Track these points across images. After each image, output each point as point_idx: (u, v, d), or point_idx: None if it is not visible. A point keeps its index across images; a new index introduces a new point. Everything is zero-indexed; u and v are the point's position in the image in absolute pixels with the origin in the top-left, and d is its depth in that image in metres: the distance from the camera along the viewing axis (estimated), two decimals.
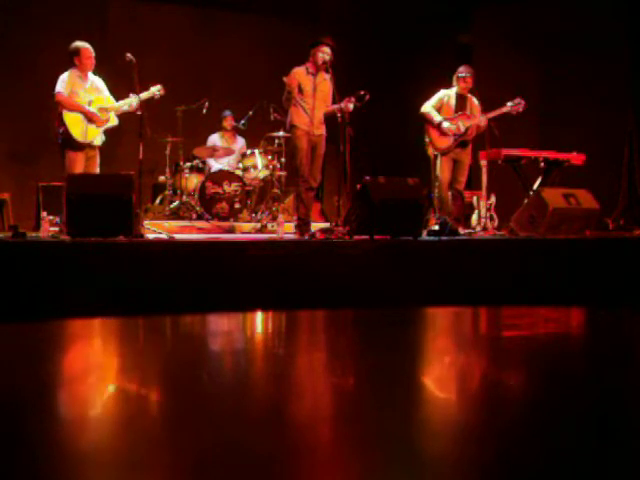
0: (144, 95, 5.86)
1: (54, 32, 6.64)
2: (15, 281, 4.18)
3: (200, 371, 1.39)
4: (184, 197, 7.79)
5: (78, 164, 5.68)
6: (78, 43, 5.81)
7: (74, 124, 5.69)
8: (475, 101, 6.85)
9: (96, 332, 1.88)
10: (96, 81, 5.91)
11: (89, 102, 5.79)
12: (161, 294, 4.35)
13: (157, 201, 8.18)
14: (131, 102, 5.85)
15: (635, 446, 0.93)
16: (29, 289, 4.16)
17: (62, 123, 5.68)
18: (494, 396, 1.23)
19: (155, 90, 5.94)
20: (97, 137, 5.81)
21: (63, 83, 5.71)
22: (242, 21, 9.75)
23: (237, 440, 0.94)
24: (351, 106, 6.00)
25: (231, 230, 7.51)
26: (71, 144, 5.69)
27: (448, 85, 6.94)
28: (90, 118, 5.75)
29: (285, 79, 6.04)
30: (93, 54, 5.81)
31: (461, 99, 6.83)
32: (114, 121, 5.89)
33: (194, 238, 6.35)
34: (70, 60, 5.80)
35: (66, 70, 5.80)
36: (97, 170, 5.84)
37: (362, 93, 6.01)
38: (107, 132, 5.97)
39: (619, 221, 7.75)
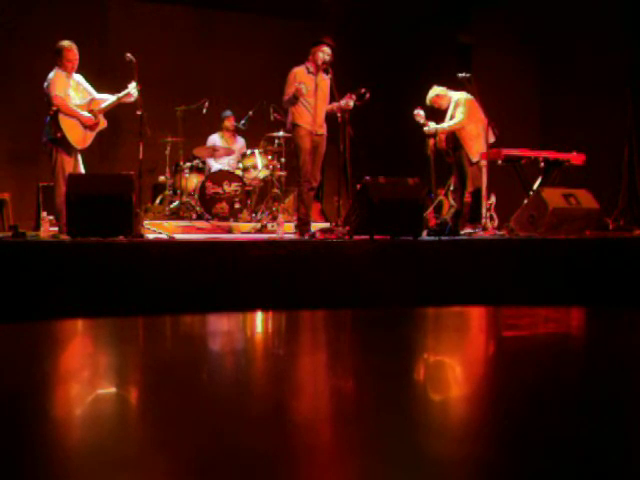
0: (121, 94, 5.78)
1: (54, 32, 6.63)
2: (15, 281, 4.18)
3: (200, 371, 1.39)
4: (184, 197, 7.79)
5: (69, 167, 5.63)
6: (62, 43, 5.67)
7: (71, 130, 5.60)
8: None
9: (95, 332, 1.88)
10: (79, 79, 5.81)
11: (87, 106, 5.73)
12: (161, 294, 4.35)
13: (157, 201, 8.19)
14: (126, 92, 5.78)
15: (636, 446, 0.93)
16: (29, 289, 4.16)
17: (59, 129, 5.55)
18: (496, 395, 1.23)
19: (132, 87, 5.77)
20: (90, 141, 5.77)
21: (55, 86, 5.58)
22: (242, 21, 9.76)
23: (237, 440, 0.94)
24: (351, 103, 6.00)
25: (231, 230, 7.51)
26: (65, 147, 5.61)
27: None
28: (85, 124, 5.68)
29: (296, 85, 5.97)
30: (77, 55, 5.68)
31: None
32: (104, 123, 5.84)
33: (194, 238, 6.35)
34: (54, 59, 5.67)
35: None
36: (82, 171, 5.79)
37: (363, 92, 6.01)
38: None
39: (619, 221, 7.74)
